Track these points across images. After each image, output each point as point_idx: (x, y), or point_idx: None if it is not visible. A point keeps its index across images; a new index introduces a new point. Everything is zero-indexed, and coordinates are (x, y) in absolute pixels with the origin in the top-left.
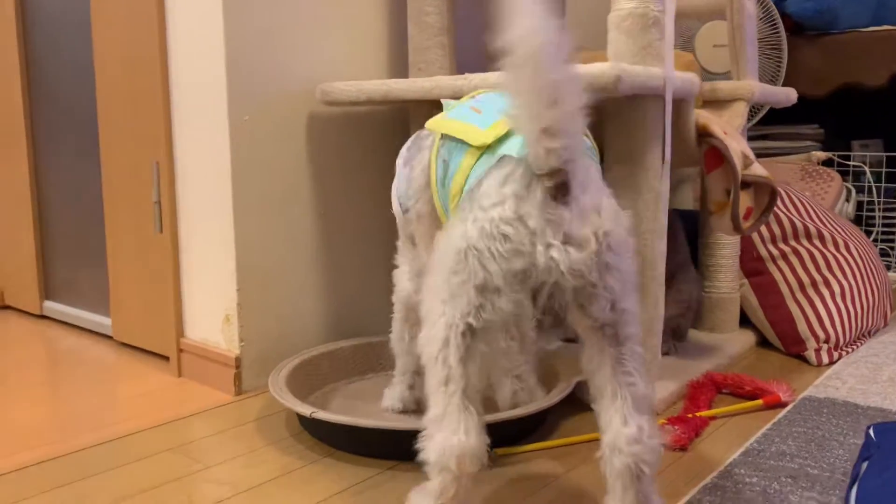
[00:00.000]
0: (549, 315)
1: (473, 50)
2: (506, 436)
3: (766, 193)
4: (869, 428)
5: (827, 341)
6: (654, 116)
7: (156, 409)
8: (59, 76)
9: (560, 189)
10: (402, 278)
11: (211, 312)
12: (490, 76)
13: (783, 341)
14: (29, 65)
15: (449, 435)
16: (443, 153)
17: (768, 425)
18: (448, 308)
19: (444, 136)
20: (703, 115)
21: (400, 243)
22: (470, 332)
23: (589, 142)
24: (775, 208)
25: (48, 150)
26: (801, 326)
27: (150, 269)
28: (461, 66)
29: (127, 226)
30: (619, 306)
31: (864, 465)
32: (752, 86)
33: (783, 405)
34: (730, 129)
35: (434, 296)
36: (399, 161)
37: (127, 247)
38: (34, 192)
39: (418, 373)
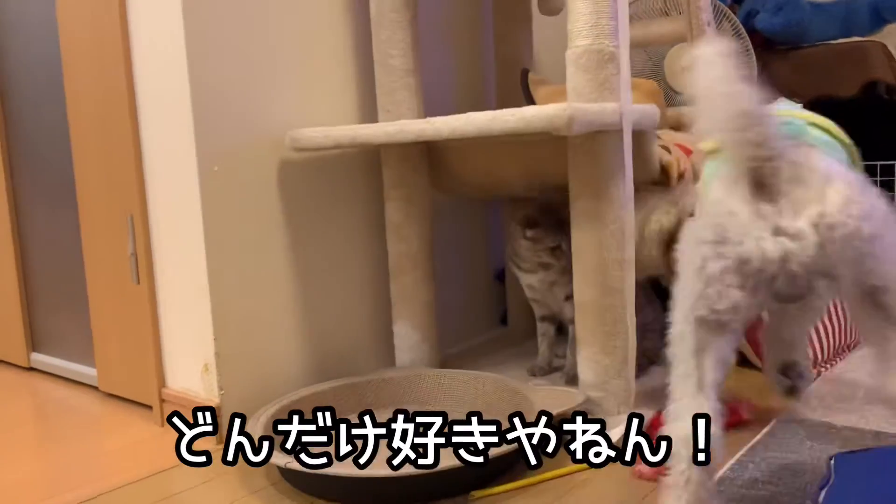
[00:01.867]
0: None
1: (440, 91)
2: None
3: None
4: (831, 459)
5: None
6: (614, 149)
7: (140, 461)
8: (35, 131)
9: (764, 185)
10: None
11: (190, 362)
12: (451, 119)
13: (761, 359)
14: (6, 122)
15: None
16: None
17: (742, 451)
18: (681, 301)
19: None
20: (663, 153)
21: None
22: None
23: (827, 138)
24: None
25: (28, 204)
26: None
27: (131, 319)
28: (428, 106)
29: (107, 277)
30: (878, 276)
31: (822, 494)
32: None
33: (746, 422)
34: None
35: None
36: None
37: (108, 298)
38: (17, 245)
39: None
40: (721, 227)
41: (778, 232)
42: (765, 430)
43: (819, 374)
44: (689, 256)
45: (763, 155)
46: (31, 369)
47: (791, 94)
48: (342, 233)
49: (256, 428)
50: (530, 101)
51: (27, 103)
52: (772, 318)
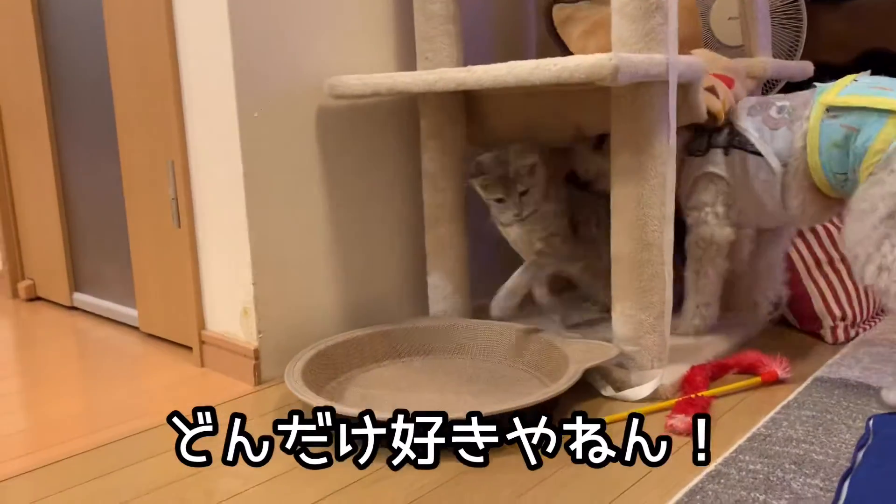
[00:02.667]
0: None
1: (481, 39)
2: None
3: None
4: (870, 419)
5: (843, 319)
6: (659, 102)
7: (179, 400)
8: (77, 78)
9: None
10: (711, 219)
11: (229, 305)
12: (492, 68)
13: (799, 319)
14: (49, 69)
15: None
16: (842, 121)
17: (776, 409)
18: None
19: (842, 109)
20: (710, 99)
21: (713, 192)
22: None
23: None
24: None
25: (71, 148)
26: (818, 304)
27: (171, 262)
28: (468, 55)
29: (147, 221)
30: None
31: (861, 455)
32: (763, 63)
33: (781, 381)
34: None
35: (870, 236)
36: (757, 122)
37: (148, 241)
38: (59, 188)
39: (708, 304)
40: None
41: None
42: (799, 389)
43: (857, 334)
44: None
45: None
46: (74, 308)
47: (841, 47)
48: (378, 181)
49: (294, 372)
50: (558, 40)
51: (69, 51)
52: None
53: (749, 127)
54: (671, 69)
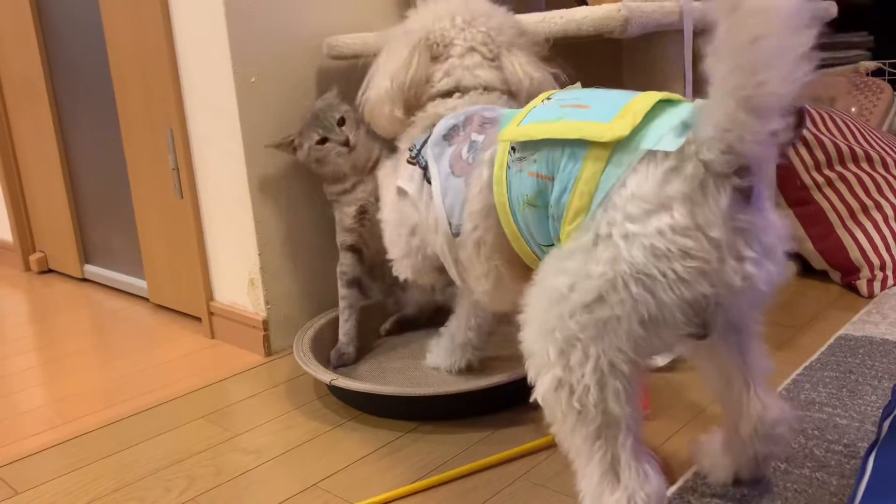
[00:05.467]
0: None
1: None
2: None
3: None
4: None
5: (882, 268)
6: (673, 52)
7: (191, 373)
8: (74, 49)
9: (748, 190)
10: (403, 254)
11: (236, 276)
12: None
13: (840, 271)
14: (46, 41)
15: (636, 490)
16: (530, 167)
17: (798, 370)
18: (593, 348)
19: (526, 146)
20: None
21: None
22: (629, 370)
23: None
24: (817, 132)
25: (73, 120)
26: (854, 254)
27: (176, 234)
28: None
29: (151, 192)
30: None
31: (887, 424)
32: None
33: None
34: None
35: (557, 332)
36: (448, 156)
37: (153, 213)
38: (64, 160)
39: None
40: (688, 250)
41: (765, 252)
42: (822, 349)
43: (885, 285)
44: (611, 294)
45: (767, 148)
46: (85, 280)
47: None
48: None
49: (302, 344)
50: None
51: (65, 22)
52: None
53: (433, 161)
54: (685, 17)
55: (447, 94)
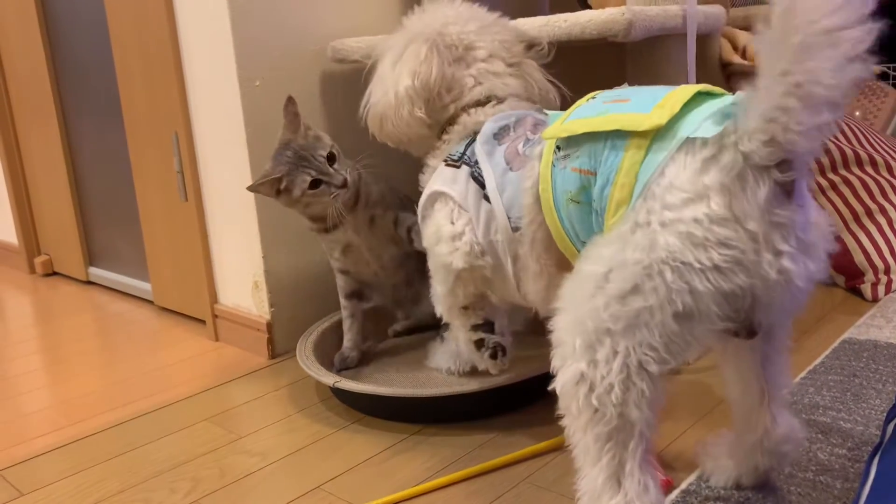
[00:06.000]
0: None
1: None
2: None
3: None
4: None
5: (887, 272)
6: (677, 56)
7: (195, 376)
8: (79, 53)
9: (789, 185)
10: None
11: (240, 279)
12: None
13: (844, 275)
14: (52, 44)
15: (634, 501)
16: (573, 163)
17: (803, 373)
18: (623, 342)
19: (570, 142)
20: (725, 46)
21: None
22: (657, 371)
23: None
24: None
25: (78, 125)
26: (858, 258)
27: (181, 236)
28: None
29: (156, 195)
30: (798, 309)
31: (891, 427)
32: None
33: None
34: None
35: (588, 322)
36: (501, 153)
37: (158, 215)
38: (69, 164)
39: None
40: (724, 240)
41: (803, 248)
42: (826, 352)
43: (889, 289)
44: (644, 282)
45: (813, 141)
46: (90, 283)
47: None
48: (385, 147)
49: (305, 348)
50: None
51: (71, 25)
52: None
53: (484, 158)
54: (689, 21)
55: (481, 103)
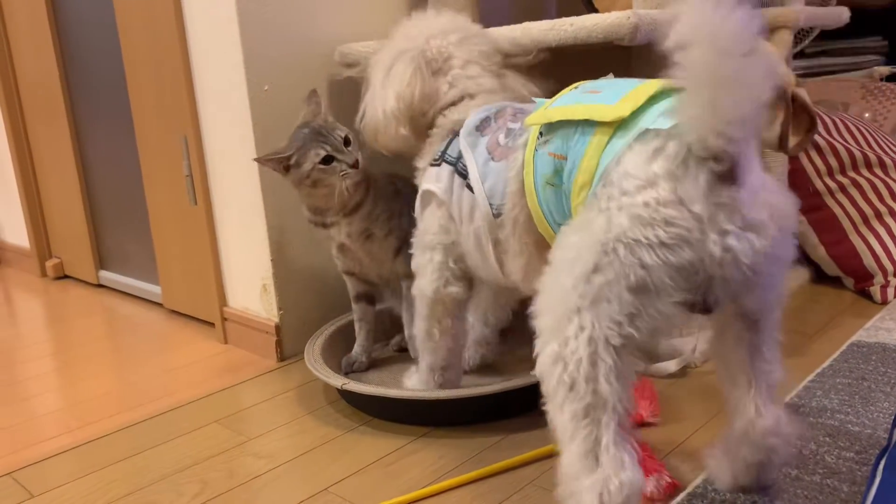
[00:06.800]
0: (697, 310)
1: (499, 1)
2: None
3: (805, 119)
4: None
5: None
6: None
7: (205, 378)
8: (90, 57)
9: (728, 172)
10: (428, 269)
11: (249, 282)
12: (506, 30)
13: (853, 277)
14: (63, 49)
15: (610, 476)
16: (549, 147)
17: (810, 377)
18: (589, 317)
19: (549, 128)
20: None
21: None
22: (621, 345)
23: None
24: (830, 138)
25: (89, 129)
26: (867, 260)
27: (190, 240)
28: (484, 14)
29: (165, 199)
30: (775, 294)
31: None
32: (795, 12)
33: (647, 425)
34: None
35: (559, 304)
36: (484, 144)
37: (167, 219)
38: (80, 168)
39: (446, 368)
40: (669, 219)
41: (747, 226)
42: (835, 355)
43: None
44: (604, 259)
45: (742, 144)
46: (100, 286)
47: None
48: None
49: (313, 350)
50: (587, 0)
51: (81, 31)
52: None
53: (468, 150)
54: None
55: (454, 103)
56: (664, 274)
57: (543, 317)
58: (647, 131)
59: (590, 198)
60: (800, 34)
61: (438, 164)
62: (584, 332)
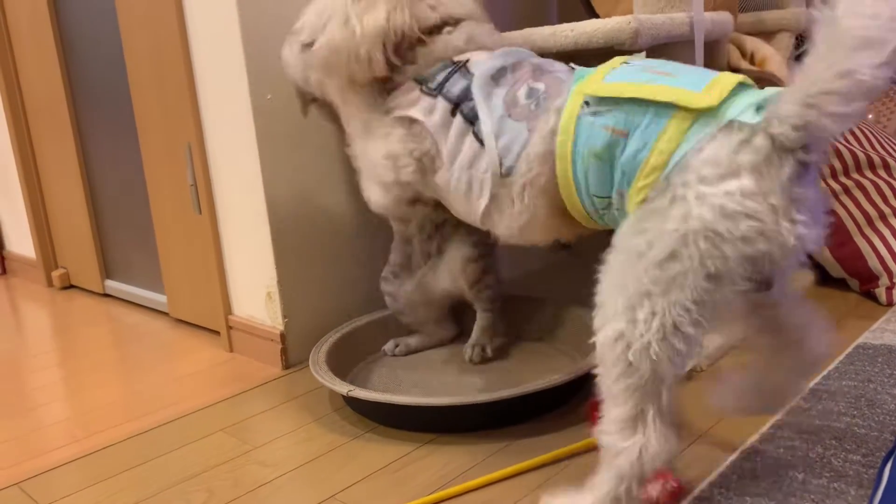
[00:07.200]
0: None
1: (496, 5)
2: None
3: None
4: None
5: None
6: (685, 62)
7: (210, 386)
8: (93, 65)
9: (808, 165)
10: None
11: (254, 290)
12: (507, 36)
13: (858, 279)
14: (66, 57)
15: (650, 441)
16: (605, 120)
17: (816, 380)
18: (661, 303)
19: (603, 101)
20: (732, 52)
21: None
22: (687, 331)
23: None
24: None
25: (93, 139)
26: (872, 262)
27: (195, 248)
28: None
29: (170, 207)
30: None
31: None
32: (796, 14)
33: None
34: (767, 52)
35: (631, 286)
36: (500, 97)
37: (172, 228)
38: (85, 178)
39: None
40: (752, 212)
41: (814, 219)
42: (841, 357)
43: None
44: (683, 248)
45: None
46: (106, 295)
47: None
48: None
49: (318, 357)
50: (585, 1)
51: (85, 43)
52: None
53: (482, 100)
54: (696, 28)
55: (437, 28)
56: (738, 264)
57: (609, 296)
58: (732, 122)
59: (661, 180)
60: (802, 36)
61: (433, 95)
62: (655, 318)
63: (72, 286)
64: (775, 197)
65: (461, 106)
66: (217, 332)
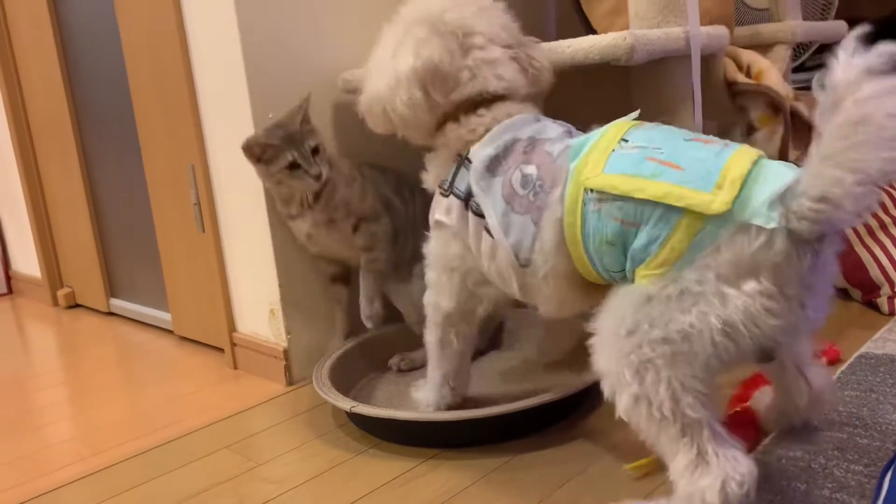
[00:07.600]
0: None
1: None
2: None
3: (805, 133)
4: None
5: None
6: (681, 76)
7: (215, 404)
8: (97, 86)
9: (820, 252)
10: (446, 288)
11: (257, 307)
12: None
13: (860, 289)
14: (70, 78)
15: (729, 473)
16: (614, 212)
17: None
18: (664, 371)
19: (608, 195)
20: (729, 66)
21: (435, 273)
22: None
23: None
24: None
25: (98, 159)
26: (874, 272)
27: (199, 267)
28: None
29: (174, 227)
30: None
31: None
32: (792, 27)
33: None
34: (763, 65)
35: (629, 356)
36: (498, 190)
37: (176, 246)
38: (89, 197)
39: (458, 374)
40: (771, 310)
41: (822, 297)
42: (843, 367)
43: None
44: (711, 344)
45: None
46: (111, 314)
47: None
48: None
49: (321, 374)
50: (582, 18)
51: (90, 63)
52: None
53: (482, 195)
54: (692, 42)
55: (472, 103)
56: (748, 347)
57: (612, 364)
58: (750, 226)
59: (672, 271)
60: (799, 48)
61: (447, 195)
62: (662, 382)
63: (77, 305)
64: (792, 288)
65: (470, 202)
66: (221, 350)
